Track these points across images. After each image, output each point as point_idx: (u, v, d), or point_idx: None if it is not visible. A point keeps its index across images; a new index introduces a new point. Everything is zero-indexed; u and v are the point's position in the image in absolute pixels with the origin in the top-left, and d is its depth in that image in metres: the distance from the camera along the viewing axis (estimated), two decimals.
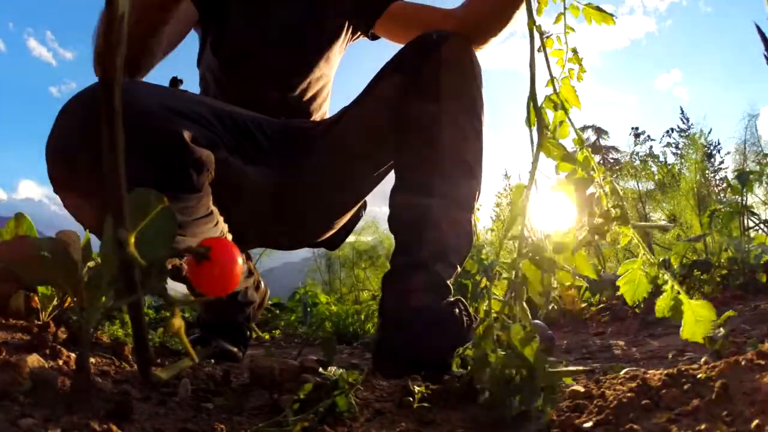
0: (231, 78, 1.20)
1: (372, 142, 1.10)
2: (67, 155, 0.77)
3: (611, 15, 0.64)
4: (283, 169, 1.15)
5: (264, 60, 1.18)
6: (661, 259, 2.89)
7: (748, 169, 3.04)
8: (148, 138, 0.79)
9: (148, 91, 0.83)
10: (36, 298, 1.06)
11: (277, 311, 2.71)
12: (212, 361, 1.00)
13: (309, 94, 1.25)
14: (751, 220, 2.66)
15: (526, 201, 0.50)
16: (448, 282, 1.01)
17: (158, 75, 1.12)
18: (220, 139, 0.95)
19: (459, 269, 1.05)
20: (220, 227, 1.01)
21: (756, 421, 0.32)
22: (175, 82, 1.06)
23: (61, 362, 0.63)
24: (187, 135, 0.83)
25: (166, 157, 0.82)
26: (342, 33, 1.25)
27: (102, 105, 0.35)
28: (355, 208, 1.34)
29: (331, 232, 1.36)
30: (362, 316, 1.82)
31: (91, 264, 0.57)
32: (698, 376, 0.39)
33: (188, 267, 0.36)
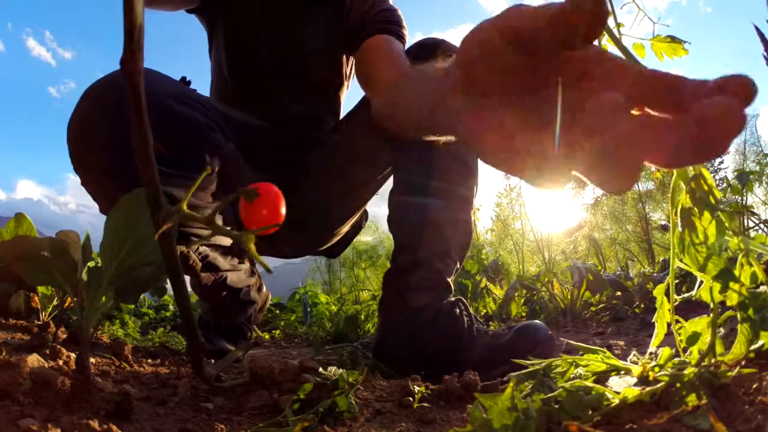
0: (237, 89, 1.20)
1: (373, 146, 1.11)
2: (89, 135, 0.79)
3: (682, 43, 0.52)
4: (285, 176, 1.16)
5: (266, 82, 1.18)
6: (660, 259, 2.88)
7: (748, 169, 3.03)
8: (168, 119, 0.81)
9: (169, 80, 0.88)
10: (36, 298, 1.06)
11: (277, 311, 2.71)
12: (212, 361, 1.00)
13: (315, 111, 1.25)
14: (751, 220, 2.66)
15: None
16: (449, 280, 1.01)
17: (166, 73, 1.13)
18: (228, 135, 0.97)
19: (459, 266, 1.05)
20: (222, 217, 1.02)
21: (756, 421, 0.32)
22: (184, 81, 1.06)
23: (61, 362, 0.63)
24: (200, 119, 0.88)
25: (182, 137, 0.84)
26: (342, 59, 1.25)
27: (130, 105, 0.38)
28: (357, 216, 1.35)
29: (334, 240, 1.37)
30: (362, 316, 1.82)
31: (91, 264, 0.57)
32: (699, 375, 0.39)
33: (240, 206, 0.41)
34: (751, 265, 0.40)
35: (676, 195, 0.44)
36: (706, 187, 0.42)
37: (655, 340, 0.49)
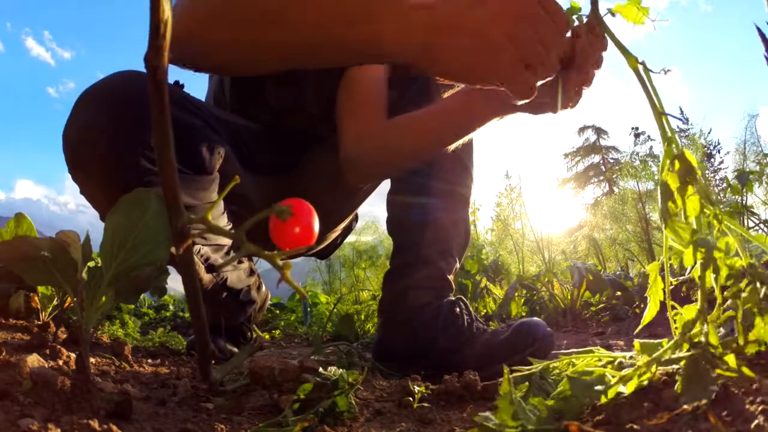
0: (233, 95, 1.20)
1: None
2: (90, 141, 0.77)
3: (647, 7, 0.60)
4: (279, 179, 1.16)
5: (262, 87, 1.18)
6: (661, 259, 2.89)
7: (748, 169, 3.04)
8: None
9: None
10: (36, 298, 1.06)
11: (277, 311, 2.70)
12: (212, 361, 0.99)
13: (310, 117, 1.25)
14: (751, 220, 2.66)
15: None
16: (450, 278, 1.01)
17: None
18: (222, 137, 0.98)
19: (459, 265, 1.06)
20: (226, 218, 1.02)
21: (756, 421, 0.32)
22: (178, 85, 1.06)
23: (61, 362, 0.63)
24: (198, 122, 0.89)
25: (182, 140, 0.85)
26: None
27: (152, 104, 0.36)
28: (348, 220, 1.36)
29: (324, 244, 1.38)
30: (362, 316, 1.82)
31: (91, 264, 0.57)
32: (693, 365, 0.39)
33: (271, 226, 0.37)
34: (725, 234, 0.41)
35: (665, 172, 0.46)
36: (687, 166, 0.44)
37: (647, 316, 0.49)
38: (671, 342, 0.41)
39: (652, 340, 0.44)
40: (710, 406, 0.35)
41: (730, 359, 0.36)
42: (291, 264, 0.37)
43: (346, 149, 1.03)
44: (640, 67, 0.51)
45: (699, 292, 0.42)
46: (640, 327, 0.48)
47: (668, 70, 0.55)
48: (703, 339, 0.39)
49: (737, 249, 0.41)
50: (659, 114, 0.49)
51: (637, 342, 0.44)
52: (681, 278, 0.49)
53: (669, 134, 0.48)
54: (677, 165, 0.45)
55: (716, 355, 0.38)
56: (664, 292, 0.48)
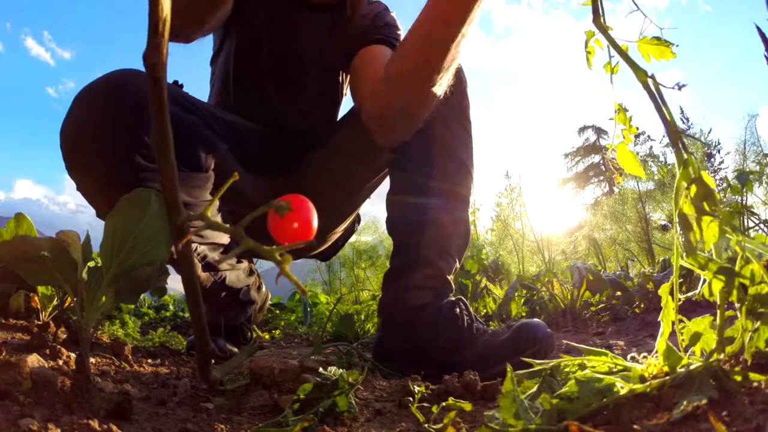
0: (235, 95, 1.20)
1: (368, 148, 1.11)
2: (86, 138, 0.78)
3: (670, 46, 0.52)
4: (279, 179, 1.16)
5: (263, 88, 1.18)
6: (660, 259, 2.88)
7: (748, 169, 3.04)
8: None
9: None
10: (36, 298, 1.06)
11: (277, 311, 2.70)
12: (212, 361, 0.99)
13: (309, 120, 1.25)
14: (751, 220, 2.66)
15: None
16: (450, 278, 1.01)
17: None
18: (220, 135, 0.98)
19: (458, 265, 1.06)
20: (220, 218, 1.02)
21: (756, 421, 0.32)
22: (177, 84, 1.07)
23: (61, 362, 0.63)
24: (194, 119, 0.90)
25: (177, 136, 0.85)
26: (340, 74, 1.25)
27: (151, 101, 0.36)
28: (350, 221, 1.36)
29: (326, 245, 1.38)
30: (362, 316, 1.82)
31: (91, 264, 0.57)
32: (698, 375, 0.39)
33: (270, 222, 0.37)
34: (750, 261, 0.40)
35: (678, 197, 0.44)
36: (705, 190, 0.42)
37: (660, 339, 0.49)
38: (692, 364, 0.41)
39: (677, 350, 0.44)
40: (710, 406, 0.35)
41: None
42: (290, 258, 0.37)
43: (365, 110, 1.02)
44: (650, 82, 0.46)
45: (718, 318, 0.42)
46: (657, 345, 0.47)
47: (683, 86, 0.49)
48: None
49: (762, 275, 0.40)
50: (674, 133, 0.44)
51: (661, 348, 0.44)
52: (689, 294, 0.48)
53: (685, 156, 0.44)
54: (694, 190, 0.42)
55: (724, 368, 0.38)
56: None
